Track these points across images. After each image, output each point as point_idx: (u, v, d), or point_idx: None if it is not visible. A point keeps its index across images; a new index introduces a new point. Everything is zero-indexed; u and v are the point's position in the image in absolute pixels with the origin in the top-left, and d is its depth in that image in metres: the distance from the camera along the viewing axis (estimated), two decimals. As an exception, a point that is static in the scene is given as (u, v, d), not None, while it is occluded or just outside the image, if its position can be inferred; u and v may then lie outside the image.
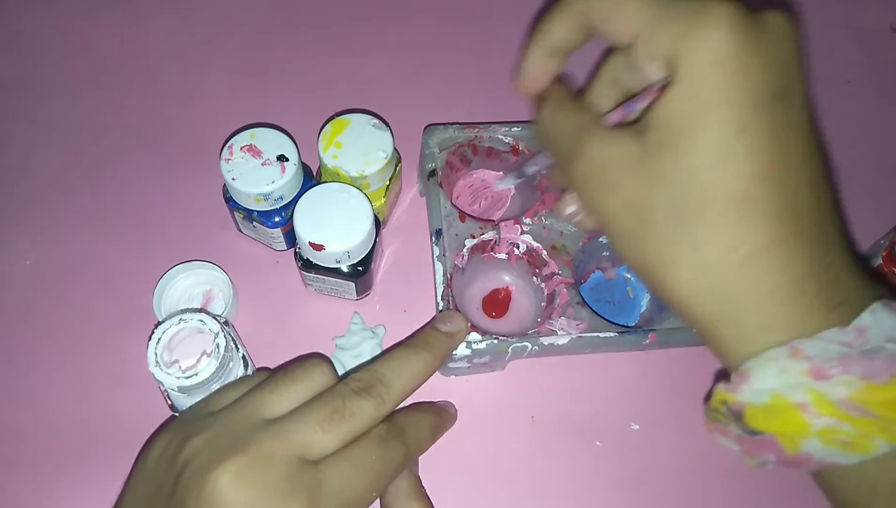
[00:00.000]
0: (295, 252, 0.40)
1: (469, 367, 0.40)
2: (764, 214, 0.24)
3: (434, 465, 0.39)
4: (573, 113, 0.30)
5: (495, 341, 0.38)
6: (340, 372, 0.41)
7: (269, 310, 0.43)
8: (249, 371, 0.38)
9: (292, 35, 0.54)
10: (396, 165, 0.43)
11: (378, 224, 0.40)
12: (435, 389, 0.41)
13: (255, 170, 0.39)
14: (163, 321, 0.35)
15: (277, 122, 0.45)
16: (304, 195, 0.39)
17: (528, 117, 0.50)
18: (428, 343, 0.35)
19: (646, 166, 0.26)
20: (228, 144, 0.40)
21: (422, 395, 0.40)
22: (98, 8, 0.54)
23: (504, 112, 0.51)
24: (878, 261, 0.42)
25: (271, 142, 0.40)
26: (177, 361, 0.35)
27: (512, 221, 0.41)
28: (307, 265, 0.40)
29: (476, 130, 0.44)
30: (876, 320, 0.24)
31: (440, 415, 0.37)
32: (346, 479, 0.29)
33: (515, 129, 0.44)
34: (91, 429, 0.39)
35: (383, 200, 0.43)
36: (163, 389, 0.36)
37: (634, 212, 0.27)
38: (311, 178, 0.43)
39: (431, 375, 0.34)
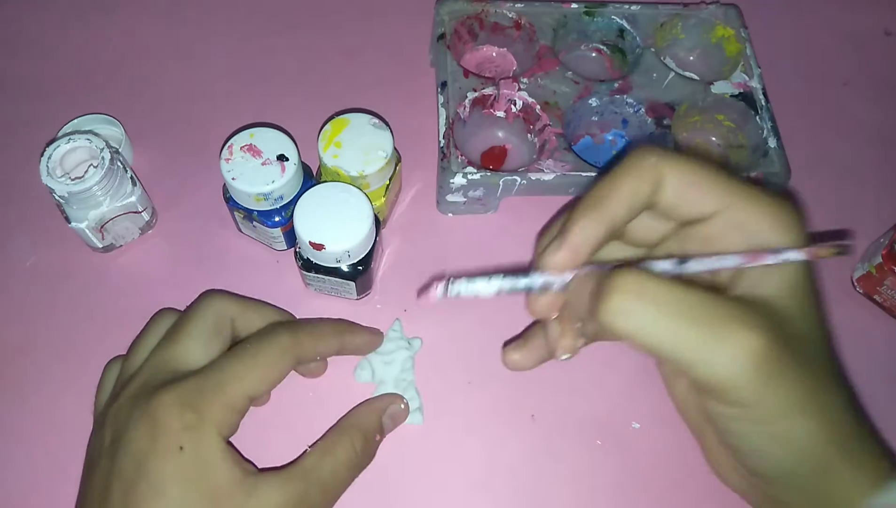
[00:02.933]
0: (295, 252, 0.40)
1: (465, 203, 0.45)
2: (842, 372, 0.30)
3: (434, 464, 0.39)
4: (674, 285, 0.25)
5: (488, 173, 0.43)
6: (369, 373, 0.41)
7: (269, 310, 0.43)
8: (137, 190, 0.42)
9: (292, 35, 0.54)
10: (396, 165, 0.43)
11: (378, 224, 0.40)
12: (434, 393, 0.41)
13: (255, 170, 0.39)
14: (53, 140, 0.40)
15: (277, 122, 0.45)
16: (304, 195, 0.39)
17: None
18: (368, 452, 0.37)
19: (801, 336, 0.27)
20: (228, 143, 0.40)
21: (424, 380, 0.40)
22: (98, 8, 0.54)
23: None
24: (878, 260, 0.43)
25: (271, 142, 0.40)
26: (68, 174, 0.40)
27: (510, 78, 0.47)
28: (307, 265, 0.40)
29: (484, 3, 0.49)
30: None
31: (370, 454, 0.37)
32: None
33: (519, 5, 0.49)
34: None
35: (383, 199, 0.43)
36: (56, 199, 0.39)
37: (811, 379, 0.27)
38: (311, 178, 0.43)
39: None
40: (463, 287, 0.28)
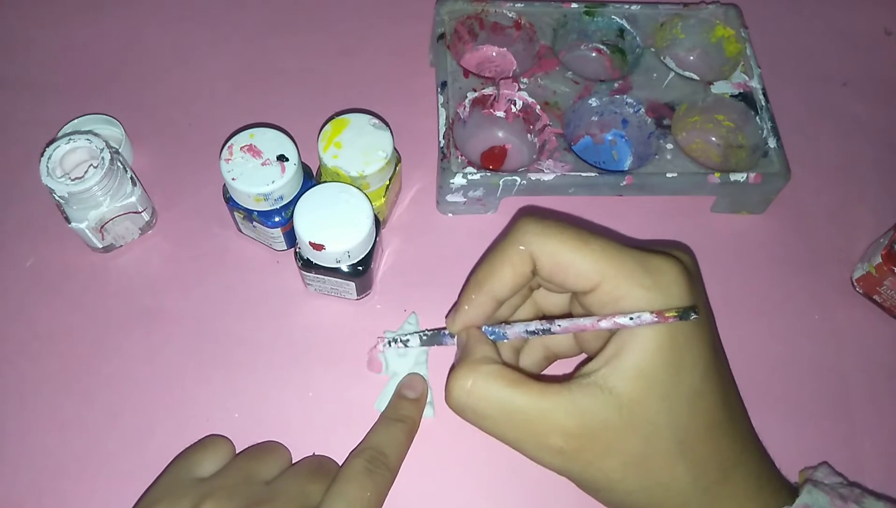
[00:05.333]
0: (295, 252, 0.40)
1: (465, 203, 0.45)
2: (725, 430, 0.30)
3: (433, 464, 0.39)
4: (519, 382, 0.29)
5: (488, 173, 0.43)
6: (384, 366, 0.41)
7: (269, 310, 0.43)
8: (137, 190, 0.42)
9: (292, 35, 0.54)
10: (396, 165, 0.43)
11: (378, 224, 0.40)
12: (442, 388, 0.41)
13: (255, 170, 0.39)
14: (53, 140, 0.40)
15: (277, 122, 0.45)
16: (304, 195, 0.39)
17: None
18: (401, 414, 0.38)
19: (634, 416, 0.28)
20: (228, 144, 0.40)
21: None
22: (98, 8, 0.54)
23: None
24: (878, 260, 0.43)
25: (271, 142, 0.40)
26: (68, 174, 0.40)
27: (510, 78, 0.47)
28: (307, 265, 0.40)
29: (484, 3, 0.49)
30: (812, 497, 0.32)
31: (411, 414, 0.38)
32: None
33: (519, 5, 0.50)
34: (93, 429, 0.39)
35: (383, 199, 0.43)
36: (56, 200, 0.39)
37: (639, 465, 0.29)
38: (311, 178, 0.43)
39: (413, 437, 0.38)
40: (397, 344, 0.39)
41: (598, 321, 0.29)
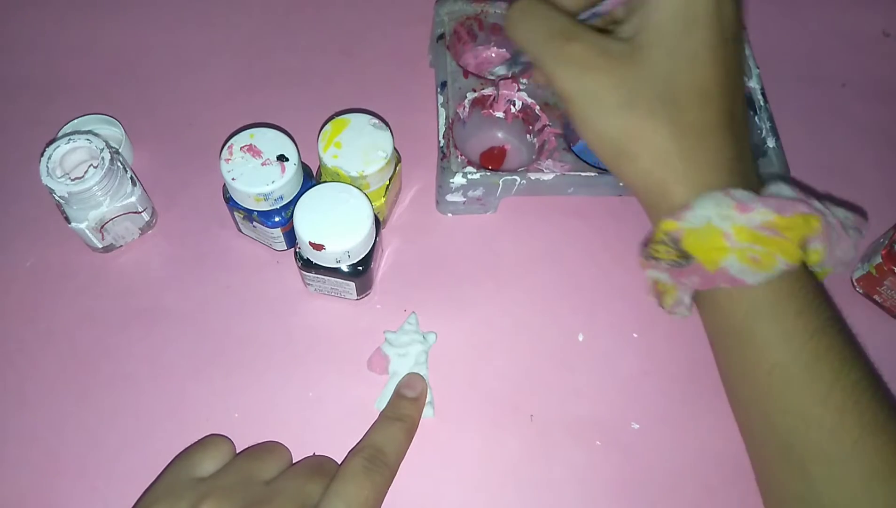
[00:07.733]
0: (295, 252, 0.40)
1: (464, 203, 0.45)
2: (716, 107, 0.33)
3: (432, 464, 0.39)
4: (549, 10, 0.34)
5: (488, 172, 0.43)
6: (388, 364, 0.41)
7: (269, 310, 0.43)
8: (137, 190, 0.42)
9: (292, 35, 0.54)
10: (396, 165, 0.43)
11: (378, 224, 0.40)
12: (441, 389, 0.41)
13: (255, 170, 0.39)
14: (53, 140, 0.40)
15: (277, 122, 0.45)
16: (304, 195, 0.39)
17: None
18: (400, 413, 0.38)
19: (638, 58, 0.32)
20: (228, 144, 0.40)
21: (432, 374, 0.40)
22: (98, 8, 0.54)
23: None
24: (878, 260, 0.43)
25: (271, 142, 0.40)
26: (68, 174, 0.40)
27: (510, 79, 0.46)
28: (307, 265, 0.40)
29: (483, 4, 0.50)
30: (778, 189, 0.33)
31: (410, 412, 0.38)
32: None
33: None
34: (93, 429, 0.39)
35: (383, 199, 0.43)
36: (56, 200, 0.39)
37: (627, 89, 0.32)
38: (311, 178, 0.43)
39: (413, 436, 0.38)
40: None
41: None
